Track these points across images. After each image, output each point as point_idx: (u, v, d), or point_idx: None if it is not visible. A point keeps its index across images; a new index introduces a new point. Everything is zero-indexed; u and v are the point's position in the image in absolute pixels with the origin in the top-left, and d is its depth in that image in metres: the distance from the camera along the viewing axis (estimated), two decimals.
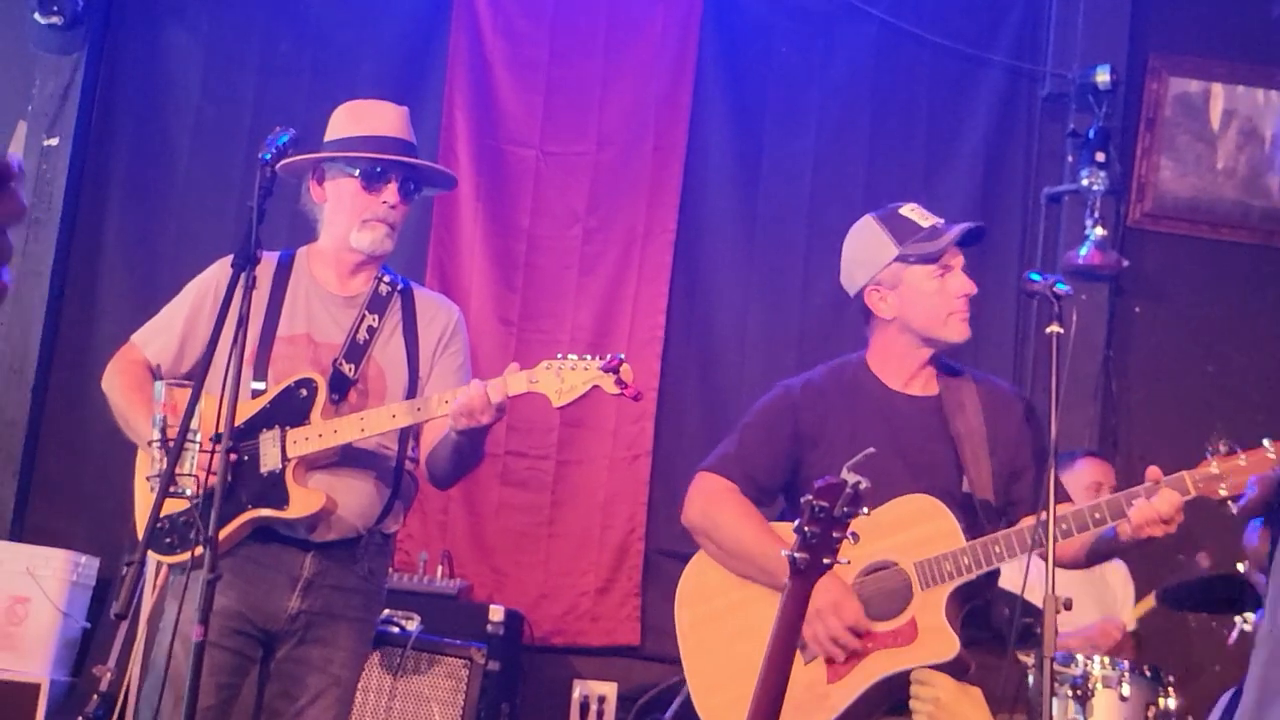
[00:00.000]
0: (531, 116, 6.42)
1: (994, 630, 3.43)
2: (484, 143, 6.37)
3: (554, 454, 6.20)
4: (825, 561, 2.81)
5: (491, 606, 5.32)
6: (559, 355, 3.61)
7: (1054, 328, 3.29)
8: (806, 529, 2.78)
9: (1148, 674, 4.36)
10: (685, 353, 6.28)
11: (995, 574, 3.46)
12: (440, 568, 5.81)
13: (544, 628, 6.00)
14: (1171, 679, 4.39)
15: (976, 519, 3.47)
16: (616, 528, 6.15)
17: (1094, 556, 3.54)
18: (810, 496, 2.79)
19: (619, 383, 3.55)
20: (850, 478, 2.75)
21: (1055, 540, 3.14)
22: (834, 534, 2.79)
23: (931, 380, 3.70)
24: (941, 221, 3.70)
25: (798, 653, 3.47)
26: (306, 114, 3.95)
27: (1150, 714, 4.32)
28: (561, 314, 6.28)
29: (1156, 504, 3.23)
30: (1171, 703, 4.35)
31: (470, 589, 5.82)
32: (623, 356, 3.57)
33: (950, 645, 3.30)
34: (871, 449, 2.86)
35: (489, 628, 5.25)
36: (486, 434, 3.69)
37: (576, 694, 6.03)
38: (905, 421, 3.64)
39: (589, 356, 3.60)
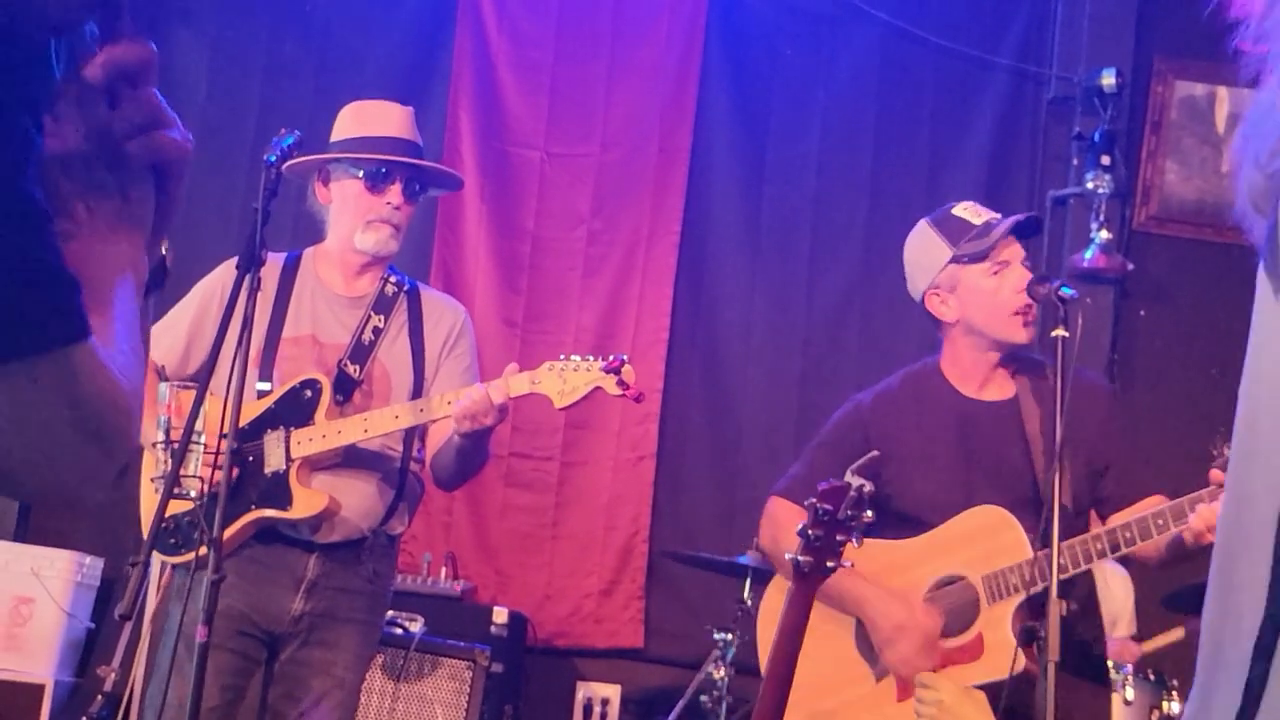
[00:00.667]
0: (536, 118, 6.42)
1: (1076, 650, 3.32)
2: (489, 144, 6.36)
3: (558, 455, 6.20)
4: (829, 565, 2.81)
5: (495, 608, 5.32)
6: (561, 356, 3.62)
7: (1059, 331, 3.26)
8: (810, 532, 2.79)
9: (1152, 678, 4.36)
10: (689, 355, 6.28)
11: (1070, 585, 3.36)
12: (444, 569, 5.81)
13: (548, 629, 6.00)
14: (1175, 683, 4.38)
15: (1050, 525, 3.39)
16: (620, 529, 6.15)
17: (1174, 557, 3.43)
18: (814, 500, 2.80)
19: (621, 384, 3.55)
20: (854, 481, 2.75)
21: (1057, 539, 3.11)
22: (838, 537, 2.80)
23: (1007, 382, 3.64)
24: (997, 217, 3.64)
25: (869, 671, 3.48)
26: (311, 116, 3.96)
27: (1154, 718, 4.31)
28: (565, 316, 6.28)
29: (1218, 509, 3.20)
30: (1175, 707, 4.34)
31: (474, 591, 5.82)
32: (625, 358, 3.57)
33: (1019, 662, 3.23)
34: (875, 452, 2.87)
35: (493, 629, 5.25)
36: (490, 436, 3.69)
37: (580, 696, 6.03)
38: (979, 428, 3.59)
39: (591, 358, 3.60)
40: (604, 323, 6.23)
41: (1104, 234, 5.95)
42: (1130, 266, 5.98)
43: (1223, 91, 6.14)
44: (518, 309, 6.28)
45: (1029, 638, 3.13)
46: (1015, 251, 3.59)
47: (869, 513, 2.77)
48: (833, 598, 3.49)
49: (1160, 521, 3.25)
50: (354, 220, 3.84)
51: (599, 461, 6.20)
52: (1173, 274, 6.15)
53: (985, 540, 3.37)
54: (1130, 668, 4.33)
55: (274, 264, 3.81)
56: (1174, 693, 4.35)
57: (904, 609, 3.37)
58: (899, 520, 3.58)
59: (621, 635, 6.08)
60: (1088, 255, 5.95)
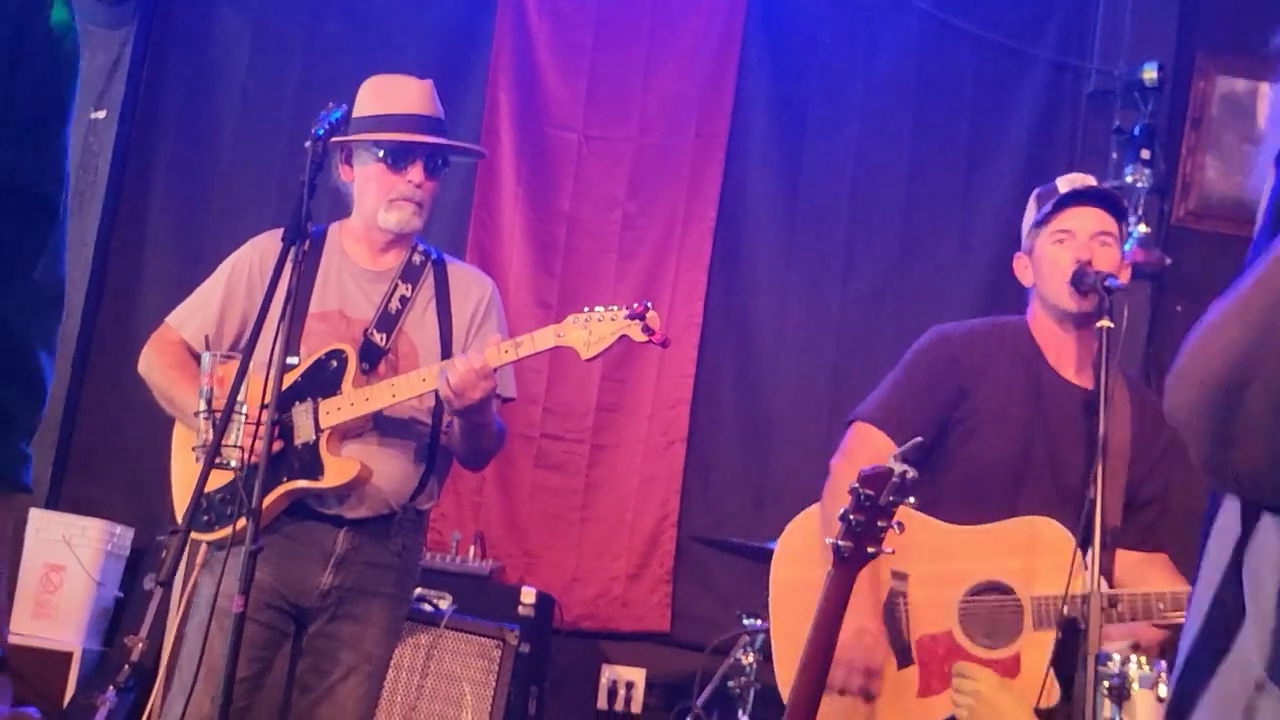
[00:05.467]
0: (575, 100, 6.41)
1: None
2: (527, 125, 6.36)
3: (589, 438, 6.20)
4: (869, 550, 2.80)
5: (523, 589, 5.32)
6: (585, 308, 3.57)
7: (1104, 323, 3.21)
8: (851, 517, 2.78)
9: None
10: (723, 340, 6.27)
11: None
12: (473, 548, 5.82)
13: (574, 611, 6.00)
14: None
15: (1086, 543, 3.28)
16: (649, 513, 6.15)
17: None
18: (856, 484, 2.78)
19: (646, 329, 3.48)
20: (897, 466, 2.74)
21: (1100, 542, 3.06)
22: (879, 523, 2.79)
23: (1086, 369, 3.52)
24: (1091, 182, 3.58)
25: (892, 658, 3.43)
26: (351, 94, 3.95)
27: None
28: (599, 299, 6.13)
29: None
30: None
31: (503, 570, 5.83)
32: (649, 304, 3.51)
33: (1051, 696, 3.18)
34: (920, 438, 2.85)
35: (520, 609, 5.25)
36: (486, 411, 3.63)
37: (605, 678, 6.04)
38: (1058, 409, 3.51)
39: (615, 306, 3.54)
40: None
41: (1142, 228, 5.91)
42: (1168, 261, 5.95)
43: (1264, 88, 6.09)
44: (552, 291, 6.28)
45: (1071, 631, 3.10)
46: (1085, 224, 3.51)
47: (911, 499, 2.76)
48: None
49: (1161, 605, 3.20)
50: (377, 199, 3.82)
51: (629, 445, 6.20)
52: (1210, 270, 6.10)
53: (1044, 556, 3.27)
54: (1164, 664, 4.30)
55: None
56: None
57: (856, 634, 3.29)
58: (952, 467, 3.52)
59: (648, 619, 6.08)
60: (1125, 249, 5.90)
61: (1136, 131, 5.97)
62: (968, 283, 6.17)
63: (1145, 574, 3.30)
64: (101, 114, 6.25)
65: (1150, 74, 5.96)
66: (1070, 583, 3.16)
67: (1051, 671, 3.17)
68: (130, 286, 6.29)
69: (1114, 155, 6.09)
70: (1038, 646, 3.27)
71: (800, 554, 3.66)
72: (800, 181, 6.36)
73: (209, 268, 4.00)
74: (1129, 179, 5.93)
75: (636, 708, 6.01)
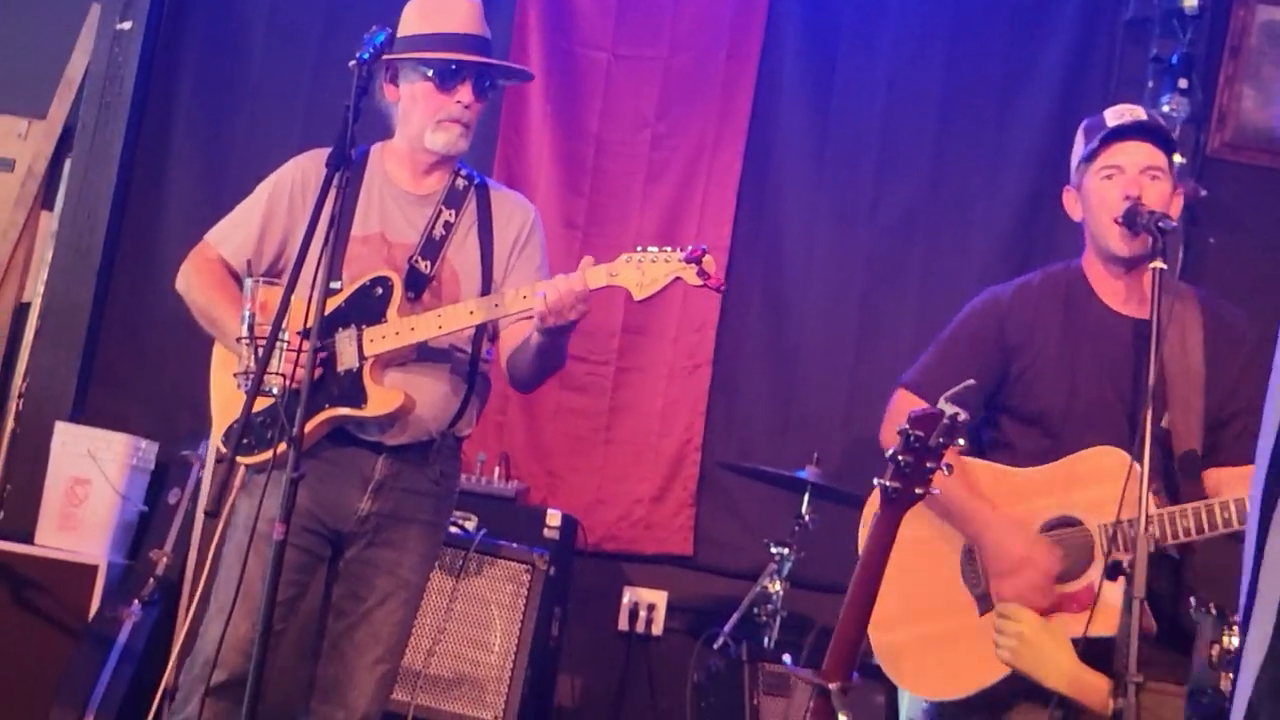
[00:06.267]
0: (604, 18, 6.33)
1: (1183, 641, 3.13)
2: (555, 43, 6.29)
3: (614, 360, 6.18)
4: (917, 491, 2.79)
5: (549, 511, 5.32)
6: (638, 248, 3.51)
7: (1157, 264, 3.14)
8: (900, 458, 2.77)
9: (1213, 612, 4.33)
10: (750, 265, 6.22)
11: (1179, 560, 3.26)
12: (498, 469, 5.82)
13: (597, 533, 6.01)
14: (1236, 619, 4.36)
15: (1171, 470, 3.30)
16: (673, 437, 6.13)
17: None
18: (905, 426, 2.77)
19: (701, 273, 3.44)
20: (948, 409, 2.73)
21: (1169, 481, 3.02)
22: (928, 464, 2.77)
23: (1146, 302, 3.36)
24: (1140, 115, 3.51)
25: (972, 601, 3.42)
26: (381, 7, 3.89)
27: (1214, 652, 4.28)
28: (627, 220, 6.23)
29: None
30: (1235, 641, 4.31)
31: (527, 491, 5.83)
32: (705, 248, 3.47)
33: (1147, 624, 3.09)
34: (972, 381, 2.83)
35: (546, 532, 5.25)
36: (570, 333, 3.63)
37: (626, 600, 6.05)
38: (1116, 343, 3.44)
39: (670, 248, 3.48)
40: (665, 228, 6.17)
41: (1177, 158, 5.83)
42: (1204, 193, 5.88)
43: None
44: (579, 211, 6.23)
45: (1114, 572, 3.08)
46: (1134, 159, 3.43)
47: (961, 441, 2.74)
48: (952, 514, 3.41)
49: (1226, 515, 3.14)
50: (424, 120, 3.78)
51: (654, 368, 6.18)
52: (1244, 202, 6.04)
53: (1108, 485, 3.20)
54: (1193, 602, 4.31)
55: None
56: (1234, 627, 4.33)
57: (1025, 542, 3.27)
58: (1024, 421, 3.50)
59: (671, 542, 6.09)
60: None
61: (1174, 60, 5.89)
62: (998, 213, 6.11)
63: (1238, 488, 3.21)
64: (127, 25, 6.17)
65: (1191, 1, 5.86)
66: (1124, 505, 3.11)
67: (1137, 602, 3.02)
68: (155, 200, 6.24)
69: (1150, 84, 6.00)
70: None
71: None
72: (832, 105, 6.28)
73: (234, 181, 3.98)
74: (1166, 109, 5.84)
75: (658, 630, 6.03)
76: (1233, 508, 3.14)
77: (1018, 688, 3.22)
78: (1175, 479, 3.31)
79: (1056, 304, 3.53)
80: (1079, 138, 3.58)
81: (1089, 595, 3.21)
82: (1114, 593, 3.10)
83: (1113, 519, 3.21)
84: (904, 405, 3.52)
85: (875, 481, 2.78)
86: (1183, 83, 5.86)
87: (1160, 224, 3.21)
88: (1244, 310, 3.60)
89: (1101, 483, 3.25)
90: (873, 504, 3.60)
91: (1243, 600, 1.45)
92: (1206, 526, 3.16)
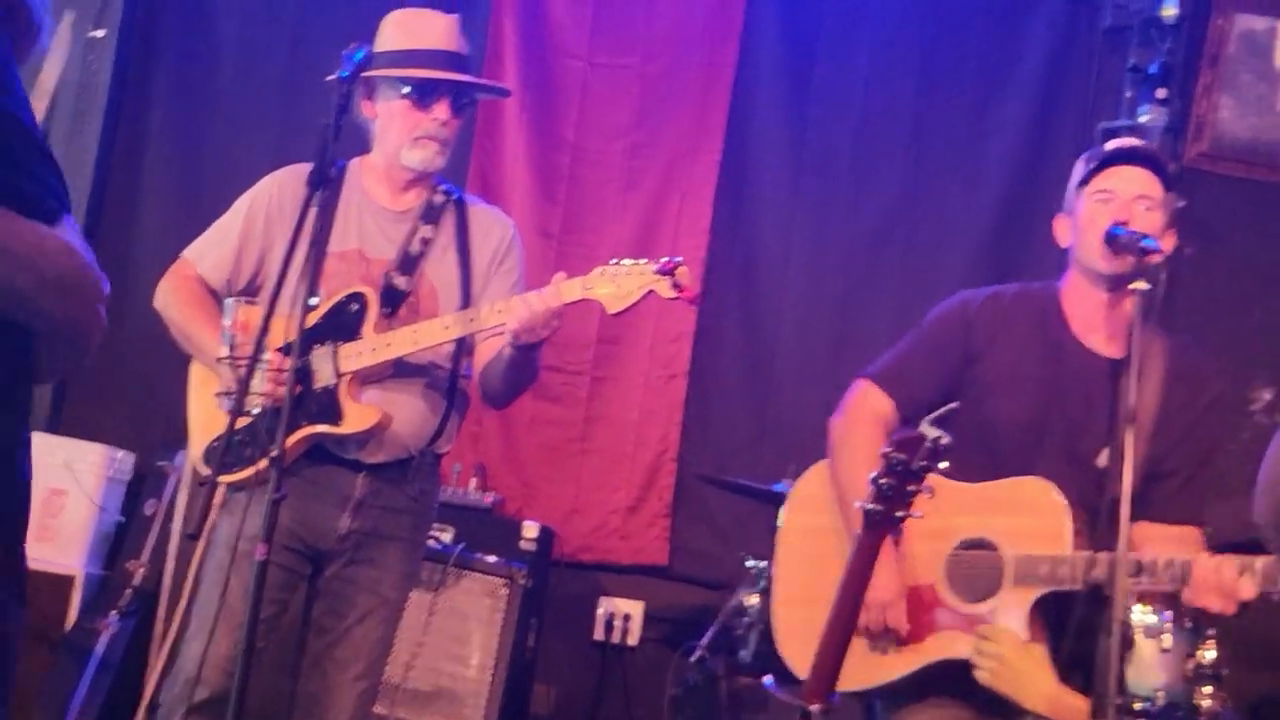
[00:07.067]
0: (580, 27, 6.32)
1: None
2: (531, 52, 6.27)
3: (589, 370, 6.17)
4: (898, 515, 2.78)
5: (525, 523, 5.32)
6: (612, 260, 3.49)
7: (1139, 284, 3.10)
8: (881, 481, 2.75)
9: (1189, 626, 4.34)
10: (727, 274, 6.22)
11: (1102, 602, 3.17)
12: (473, 480, 5.80)
13: (573, 544, 6.00)
14: (1212, 632, 4.36)
15: (1098, 511, 3.27)
16: (649, 447, 6.13)
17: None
18: (888, 449, 2.75)
19: (675, 286, 3.42)
20: (930, 432, 2.71)
21: (1128, 504, 2.99)
22: (909, 487, 2.76)
23: (1118, 337, 3.37)
24: (1138, 146, 3.49)
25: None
26: (352, 20, 3.87)
27: (1190, 666, 4.28)
28: (603, 229, 6.22)
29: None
30: (1211, 655, 4.32)
31: (503, 503, 5.81)
32: (680, 260, 3.45)
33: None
34: (955, 404, 2.82)
35: (522, 544, 5.24)
36: (541, 348, 3.62)
37: (602, 611, 6.05)
38: (1076, 376, 3.41)
39: (643, 260, 3.46)
40: (641, 236, 6.16)
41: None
42: (1180, 204, 5.86)
43: None
44: (555, 220, 6.22)
45: (1097, 597, 3.07)
46: (1127, 185, 3.39)
47: (944, 464, 2.73)
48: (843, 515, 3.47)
49: (1173, 573, 3.16)
50: (401, 137, 3.76)
51: (630, 378, 6.17)
52: (1222, 212, 6.04)
53: (1029, 516, 3.23)
54: (1169, 614, 4.31)
55: None
56: (1210, 641, 4.33)
57: (883, 589, 3.30)
58: (968, 430, 3.45)
59: (646, 552, 6.08)
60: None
61: (1153, 70, 5.87)
62: (975, 223, 6.11)
63: (1158, 549, 3.21)
64: (101, 33, 6.15)
65: (1170, 10, 5.84)
66: (1061, 546, 3.18)
67: (1026, 628, 3.17)
68: (130, 209, 6.21)
69: (1128, 94, 6.00)
70: (1012, 605, 3.21)
71: (811, 502, 3.64)
72: (808, 114, 6.28)
73: (210, 189, 3.96)
74: (1143, 118, 5.84)
75: (634, 640, 6.02)
76: (1148, 567, 3.14)
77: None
78: (1100, 521, 3.27)
79: (1025, 322, 3.49)
80: (1077, 166, 3.54)
81: (986, 620, 3.23)
82: (1010, 619, 3.18)
83: (1028, 551, 3.21)
84: (866, 398, 3.57)
85: (856, 504, 2.76)
86: (1161, 92, 5.86)
87: (1142, 244, 3.18)
88: (1217, 363, 3.59)
89: (1023, 514, 3.26)
90: (806, 480, 3.63)
91: None
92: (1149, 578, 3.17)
